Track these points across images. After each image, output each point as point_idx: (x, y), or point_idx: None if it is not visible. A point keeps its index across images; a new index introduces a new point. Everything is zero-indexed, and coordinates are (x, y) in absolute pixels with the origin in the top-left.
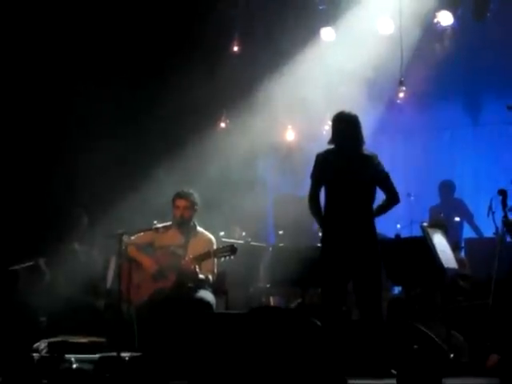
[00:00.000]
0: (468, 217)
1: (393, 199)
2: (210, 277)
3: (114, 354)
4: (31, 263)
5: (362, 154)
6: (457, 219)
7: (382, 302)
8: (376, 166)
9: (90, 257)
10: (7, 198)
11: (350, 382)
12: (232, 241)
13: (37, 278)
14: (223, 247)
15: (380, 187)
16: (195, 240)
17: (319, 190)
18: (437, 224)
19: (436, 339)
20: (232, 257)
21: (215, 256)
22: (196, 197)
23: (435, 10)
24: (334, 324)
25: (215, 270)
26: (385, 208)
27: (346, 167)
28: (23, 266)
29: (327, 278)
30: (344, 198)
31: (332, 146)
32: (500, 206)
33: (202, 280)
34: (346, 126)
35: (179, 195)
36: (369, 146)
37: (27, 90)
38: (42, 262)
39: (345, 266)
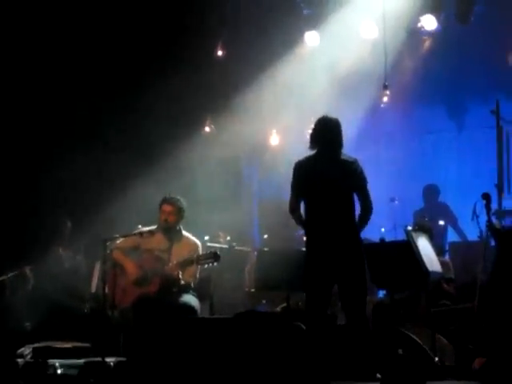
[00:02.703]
0: (452, 221)
1: (366, 209)
2: (192, 282)
3: (99, 358)
4: (17, 272)
5: (341, 159)
6: (441, 223)
7: (367, 306)
8: (354, 171)
9: (74, 262)
10: None
11: None
12: (217, 245)
13: (22, 285)
14: (206, 254)
15: (356, 193)
16: (179, 245)
17: (300, 200)
18: (422, 228)
19: (420, 343)
20: (215, 264)
21: (198, 263)
22: (182, 202)
23: (419, 14)
24: (319, 328)
25: (197, 275)
26: (361, 220)
27: (324, 173)
28: (10, 275)
29: (311, 282)
30: (324, 203)
31: (312, 152)
32: (484, 210)
33: (183, 285)
34: (325, 131)
35: (166, 200)
36: (352, 150)
37: (11, 101)
38: (27, 269)
39: (329, 270)
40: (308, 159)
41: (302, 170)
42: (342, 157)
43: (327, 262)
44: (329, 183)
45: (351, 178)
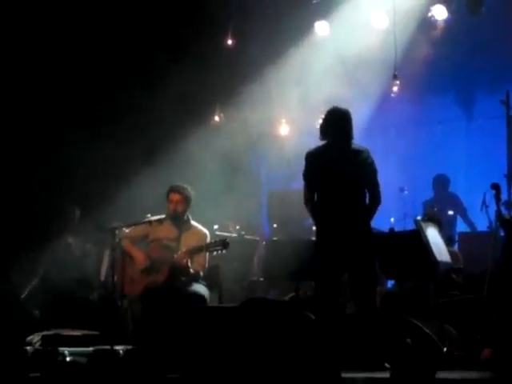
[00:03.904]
0: (462, 211)
1: (373, 200)
2: (201, 271)
3: (108, 347)
4: (37, 279)
5: (351, 149)
6: (450, 213)
7: (376, 295)
8: (364, 161)
9: (83, 250)
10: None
11: (344, 375)
12: (226, 234)
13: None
14: (215, 242)
15: (365, 184)
16: (188, 233)
17: (314, 191)
18: (432, 218)
19: (429, 333)
20: (224, 251)
21: (207, 250)
22: (190, 191)
23: (429, 3)
24: (328, 317)
25: (206, 265)
26: (369, 212)
27: (335, 162)
28: (33, 284)
29: (321, 271)
30: (334, 193)
31: (322, 142)
32: (493, 200)
33: (192, 274)
34: (335, 122)
35: (173, 189)
36: (362, 140)
37: (20, 90)
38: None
39: (339, 259)
40: (318, 149)
41: (313, 161)
42: (353, 146)
43: (337, 251)
44: (338, 173)
45: (361, 168)
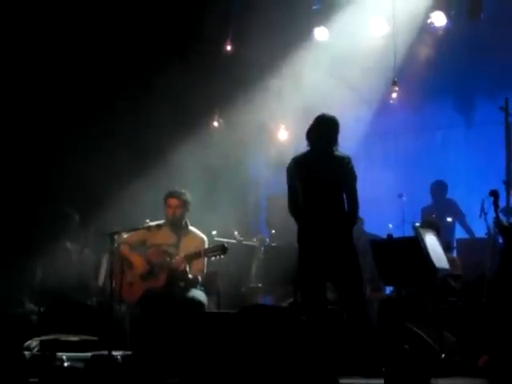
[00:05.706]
0: (460, 217)
1: (351, 206)
2: (199, 277)
3: (106, 352)
4: None
5: (332, 156)
6: (449, 219)
7: (374, 302)
8: (344, 167)
9: (81, 255)
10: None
11: (342, 381)
12: (224, 240)
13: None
14: (214, 247)
15: (344, 191)
16: (187, 239)
17: (297, 195)
18: (430, 224)
19: (427, 339)
20: (222, 256)
21: (205, 255)
22: (188, 196)
23: (429, 10)
24: (317, 323)
25: (205, 270)
26: (349, 218)
27: (315, 167)
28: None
29: (304, 278)
30: (315, 198)
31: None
32: (492, 207)
33: (191, 280)
34: (319, 128)
35: (171, 194)
36: (361, 146)
37: (24, 95)
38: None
39: (320, 266)
40: (303, 156)
41: (295, 166)
42: (335, 153)
43: (319, 257)
44: (318, 179)
45: (341, 174)
